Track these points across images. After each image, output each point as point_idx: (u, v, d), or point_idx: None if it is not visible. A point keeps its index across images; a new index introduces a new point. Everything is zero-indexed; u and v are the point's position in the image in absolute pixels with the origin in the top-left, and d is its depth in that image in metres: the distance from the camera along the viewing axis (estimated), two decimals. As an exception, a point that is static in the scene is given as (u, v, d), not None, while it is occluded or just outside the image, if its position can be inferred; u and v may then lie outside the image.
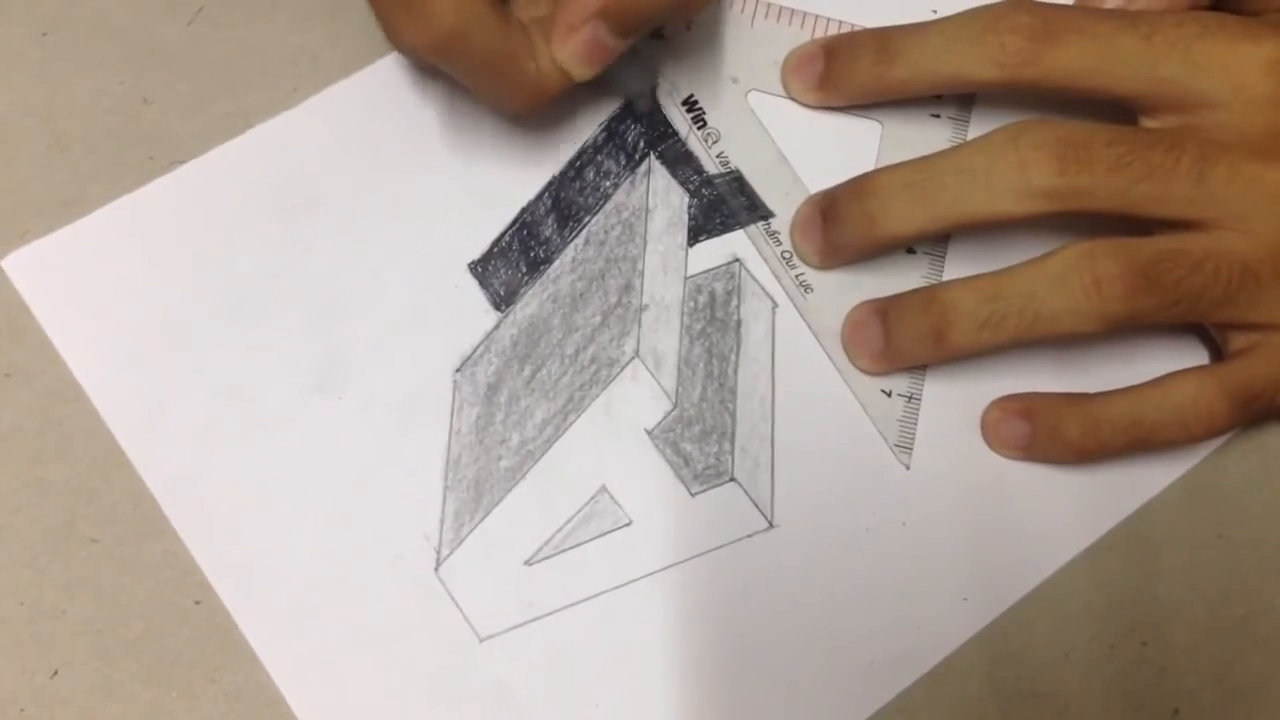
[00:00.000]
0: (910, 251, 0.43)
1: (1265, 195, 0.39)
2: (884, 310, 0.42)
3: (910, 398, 0.42)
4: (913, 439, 0.42)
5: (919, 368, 0.42)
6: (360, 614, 0.40)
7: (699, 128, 0.44)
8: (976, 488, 0.42)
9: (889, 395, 0.42)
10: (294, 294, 0.42)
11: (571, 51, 0.37)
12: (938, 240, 0.43)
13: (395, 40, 0.36)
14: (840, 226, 0.42)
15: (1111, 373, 0.42)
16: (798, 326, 0.42)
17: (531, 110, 0.39)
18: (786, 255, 0.43)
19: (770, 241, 0.43)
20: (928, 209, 0.40)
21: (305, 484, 0.40)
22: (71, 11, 0.43)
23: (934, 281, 0.43)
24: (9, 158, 0.42)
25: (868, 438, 0.42)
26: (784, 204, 0.43)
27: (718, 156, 0.43)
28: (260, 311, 0.41)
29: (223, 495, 0.40)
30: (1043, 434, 0.41)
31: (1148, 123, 0.40)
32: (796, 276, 0.43)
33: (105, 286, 0.41)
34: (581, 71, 0.38)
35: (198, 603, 0.39)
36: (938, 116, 0.44)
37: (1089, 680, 0.41)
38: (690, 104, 0.44)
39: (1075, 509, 0.42)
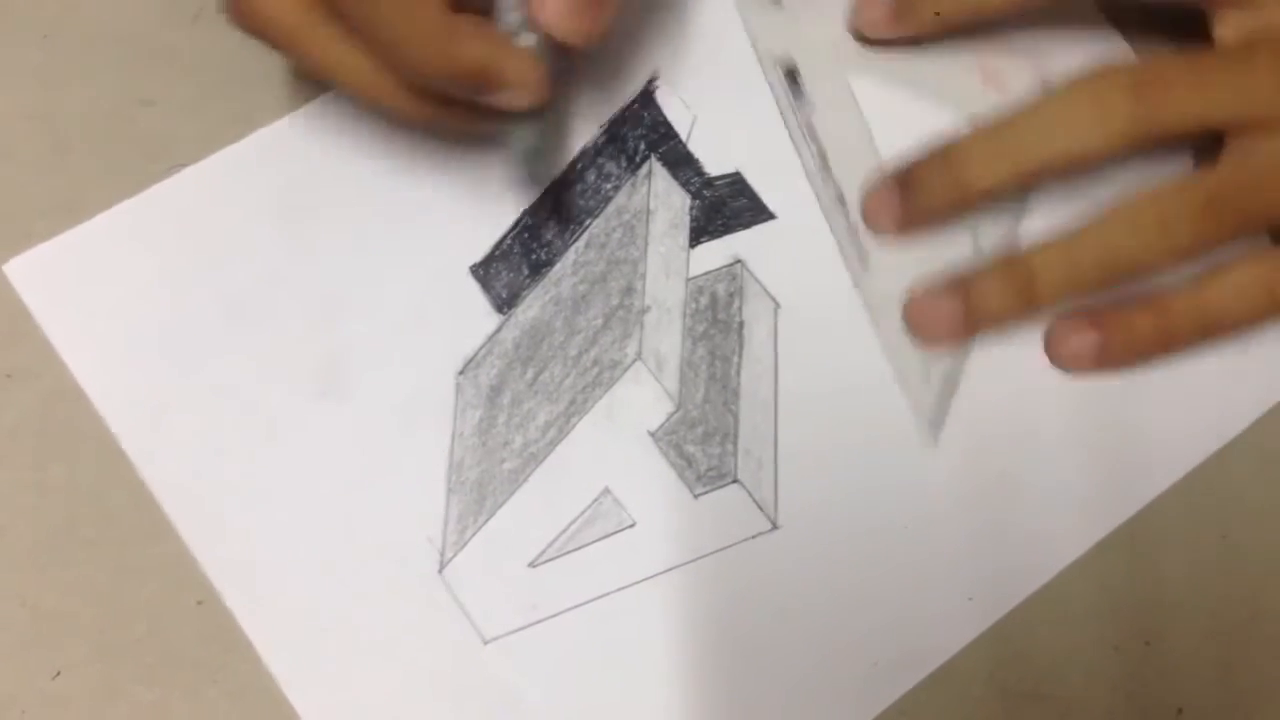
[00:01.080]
0: (974, 231, 0.44)
1: None
2: (960, 281, 0.42)
3: (948, 377, 0.43)
4: (945, 417, 0.42)
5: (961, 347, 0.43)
6: (363, 616, 0.39)
7: (795, 97, 0.44)
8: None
9: (927, 373, 0.42)
10: (296, 297, 0.42)
11: (553, 9, 0.35)
12: (1003, 219, 0.44)
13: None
14: (923, 191, 0.42)
15: None
16: (800, 327, 0.43)
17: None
18: (853, 227, 0.43)
19: (840, 210, 0.44)
20: (1011, 159, 0.41)
21: (308, 486, 0.40)
22: (72, 14, 0.43)
23: (985, 248, 0.43)
24: (10, 161, 0.42)
25: (871, 436, 0.42)
26: (857, 175, 0.44)
27: (804, 126, 0.44)
28: (262, 315, 0.41)
29: (225, 497, 0.40)
30: (1115, 336, 0.42)
31: (1220, 29, 0.41)
32: (858, 249, 0.43)
33: (107, 290, 0.41)
34: (571, 30, 0.36)
35: (200, 603, 0.39)
36: None
37: (1092, 681, 0.41)
38: (790, 74, 0.44)
39: (1079, 510, 0.42)
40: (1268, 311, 0.42)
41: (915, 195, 0.42)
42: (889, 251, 0.43)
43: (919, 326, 0.43)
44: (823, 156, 0.44)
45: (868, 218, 0.43)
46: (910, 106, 0.45)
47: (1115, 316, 0.42)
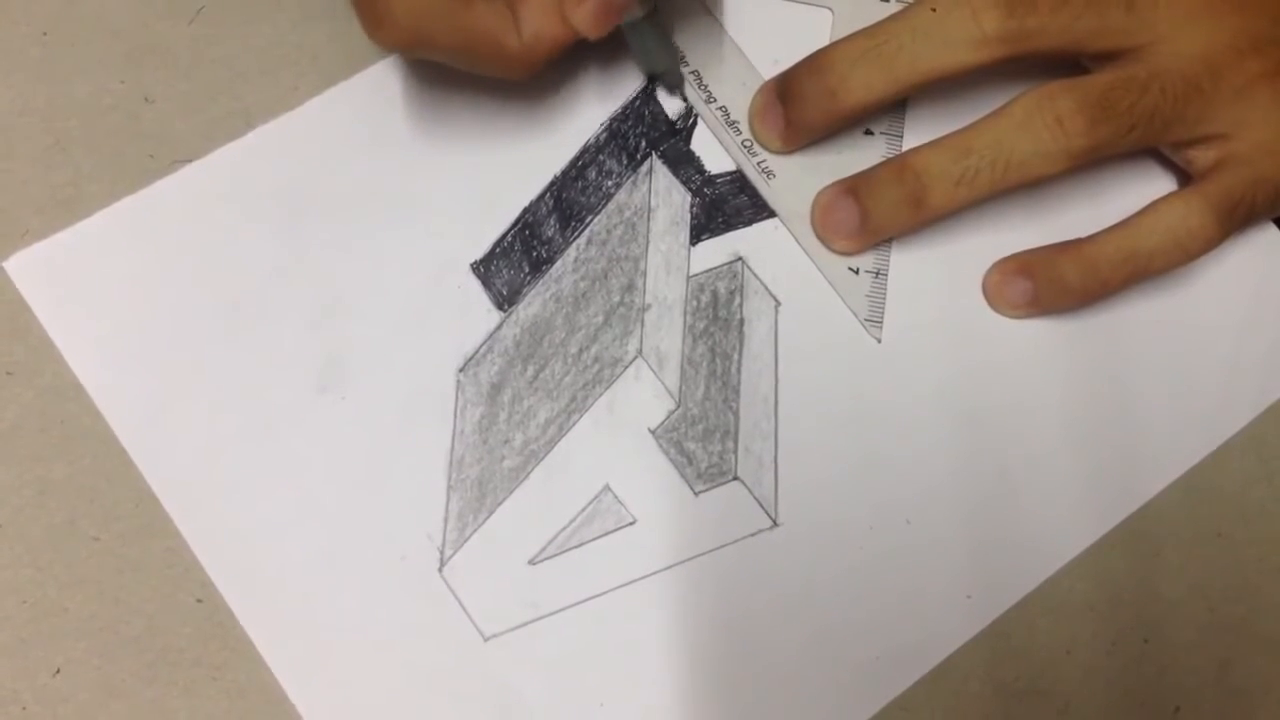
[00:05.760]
0: (868, 133, 0.44)
1: (1184, 13, 0.41)
2: (854, 188, 0.43)
3: (877, 273, 0.43)
4: (882, 313, 0.43)
5: (884, 242, 0.44)
6: (364, 613, 0.39)
7: (654, 26, 0.44)
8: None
9: (856, 272, 0.43)
10: (296, 294, 0.42)
11: (583, 15, 0.38)
12: (894, 119, 0.44)
13: (371, 40, 0.38)
14: (801, 105, 0.43)
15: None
16: (801, 324, 0.43)
17: (528, 77, 0.39)
18: (747, 144, 0.44)
19: (730, 131, 0.44)
20: (887, 73, 0.41)
21: (308, 483, 0.40)
22: (71, 11, 0.43)
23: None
24: (9, 157, 0.42)
25: (872, 433, 0.42)
26: (741, 93, 0.44)
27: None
28: (262, 312, 0.41)
29: (225, 495, 0.40)
30: (1044, 286, 0.43)
31: None
32: (758, 164, 0.44)
33: (107, 288, 0.41)
34: (594, 32, 0.38)
35: (199, 601, 0.39)
36: (887, 0, 0.45)
37: (1090, 678, 0.41)
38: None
39: (1077, 508, 0.42)
40: (1201, 251, 0.42)
41: (795, 110, 0.43)
42: (790, 161, 0.44)
43: (823, 234, 0.43)
44: (698, 76, 0.45)
45: (755, 135, 0.44)
46: (780, 11, 0.46)
47: (1046, 264, 0.43)
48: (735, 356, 0.42)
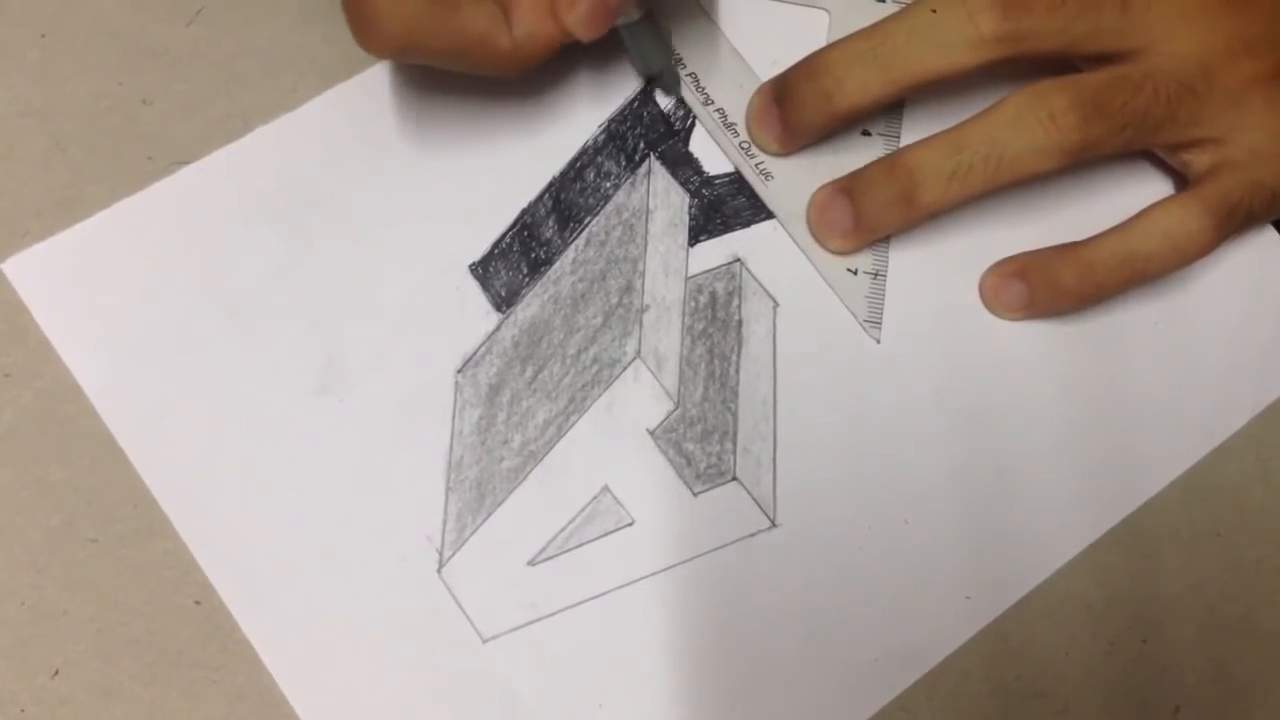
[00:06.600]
0: (866, 134, 0.44)
1: (1177, 14, 0.41)
2: (848, 187, 0.43)
3: (876, 274, 0.43)
4: (881, 314, 0.43)
5: (882, 243, 0.43)
6: (363, 615, 0.39)
7: (650, 28, 0.44)
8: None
9: (855, 273, 0.43)
10: (295, 296, 0.42)
11: (576, 17, 0.38)
12: (891, 120, 0.44)
13: (361, 48, 0.38)
14: (797, 108, 0.43)
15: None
16: (799, 325, 0.43)
17: (520, 74, 0.39)
18: (745, 146, 0.44)
19: (728, 133, 0.44)
20: (883, 74, 0.41)
21: (307, 485, 0.40)
22: (70, 12, 0.43)
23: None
24: (8, 159, 0.42)
25: (871, 434, 0.42)
26: (738, 95, 0.44)
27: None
28: (261, 314, 0.41)
29: (223, 497, 0.40)
30: (1040, 289, 0.43)
31: None
32: (756, 165, 0.44)
33: (106, 290, 0.41)
34: (588, 34, 0.38)
35: (198, 603, 0.39)
36: (883, 1, 0.45)
37: (1089, 679, 0.41)
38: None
39: (1076, 508, 0.42)
40: (1198, 255, 0.42)
41: (792, 113, 0.43)
42: (788, 163, 0.44)
43: (818, 233, 0.43)
44: (695, 78, 0.45)
45: (753, 138, 0.44)
46: (763, 6, 0.46)
47: (1042, 268, 0.43)
48: (734, 357, 0.42)
